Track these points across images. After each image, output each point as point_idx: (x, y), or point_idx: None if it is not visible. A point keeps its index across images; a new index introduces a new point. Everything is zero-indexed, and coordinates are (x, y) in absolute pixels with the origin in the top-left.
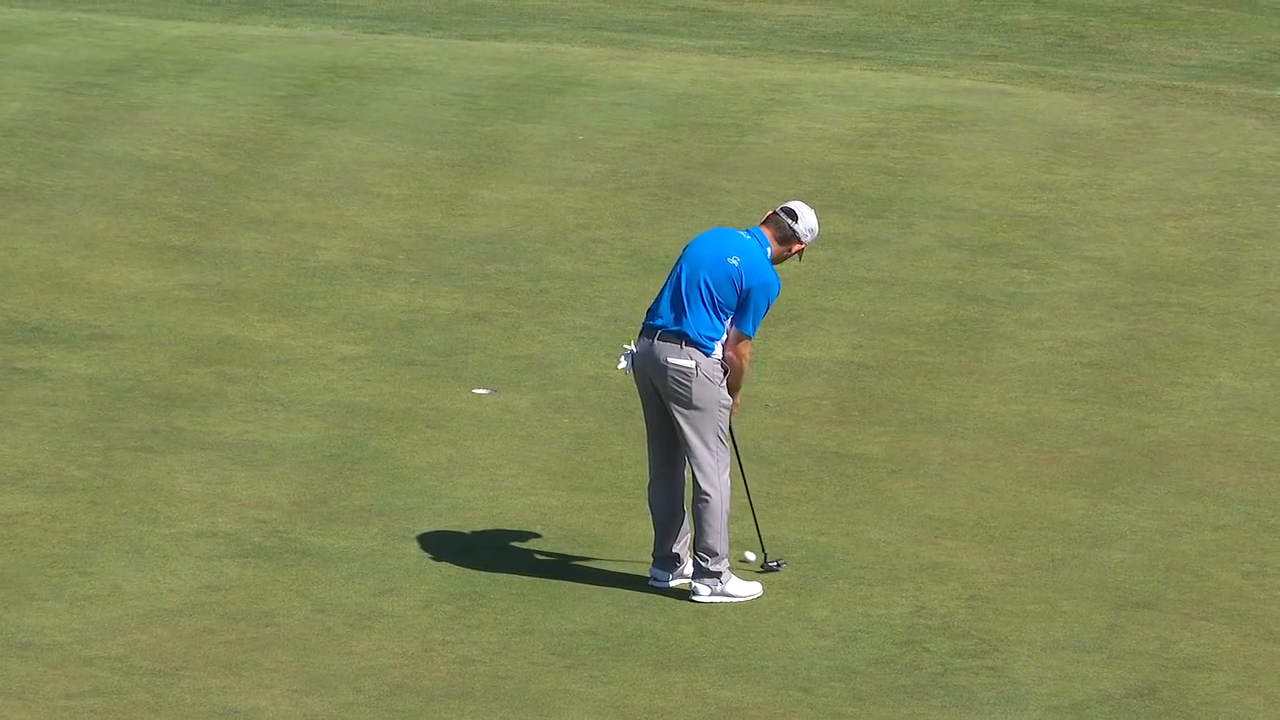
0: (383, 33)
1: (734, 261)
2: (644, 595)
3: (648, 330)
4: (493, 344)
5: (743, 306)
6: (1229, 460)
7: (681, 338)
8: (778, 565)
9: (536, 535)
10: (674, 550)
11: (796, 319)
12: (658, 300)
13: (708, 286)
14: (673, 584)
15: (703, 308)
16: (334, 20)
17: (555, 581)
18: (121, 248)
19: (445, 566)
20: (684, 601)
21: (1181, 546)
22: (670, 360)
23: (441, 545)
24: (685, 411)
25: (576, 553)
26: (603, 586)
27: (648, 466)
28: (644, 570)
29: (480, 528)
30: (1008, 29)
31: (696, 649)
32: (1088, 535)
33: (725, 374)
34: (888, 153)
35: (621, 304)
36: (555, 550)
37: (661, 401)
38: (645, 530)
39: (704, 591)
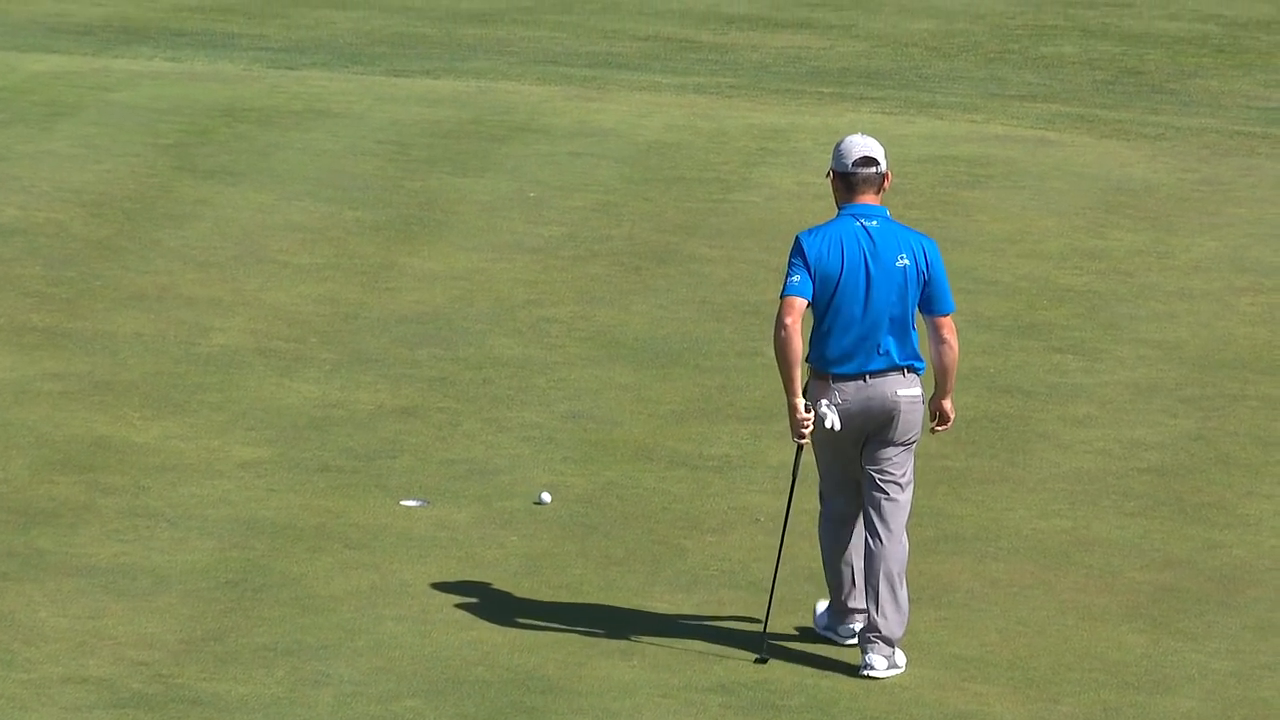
0: (291, 68)
1: (904, 262)
2: None
3: (846, 376)
4: (425, 446)
5: (933, 290)
6: None
7: (900, 368)
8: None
9: (478, 679)
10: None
11: None
12: (838, 344)
13: (899, 304)
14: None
15: (906, 326)
16: (232, 53)
17: None
18: None
19: (366, 718)
20: None
21: (1262, 693)
22: (901, 393)
23: (362, 691)
24: (904, 446)
25: (526, 701)
26: None
27: (836, 511)
28: (608, 719)
29: (409, 669)
30: (1048, 64)
31: None
32: (1147, 679)
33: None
34: (903, 213)
35: (581, 397)
36: (501, 698)
37: (857, 449)
38: (609, 672)
39: (881, 665)
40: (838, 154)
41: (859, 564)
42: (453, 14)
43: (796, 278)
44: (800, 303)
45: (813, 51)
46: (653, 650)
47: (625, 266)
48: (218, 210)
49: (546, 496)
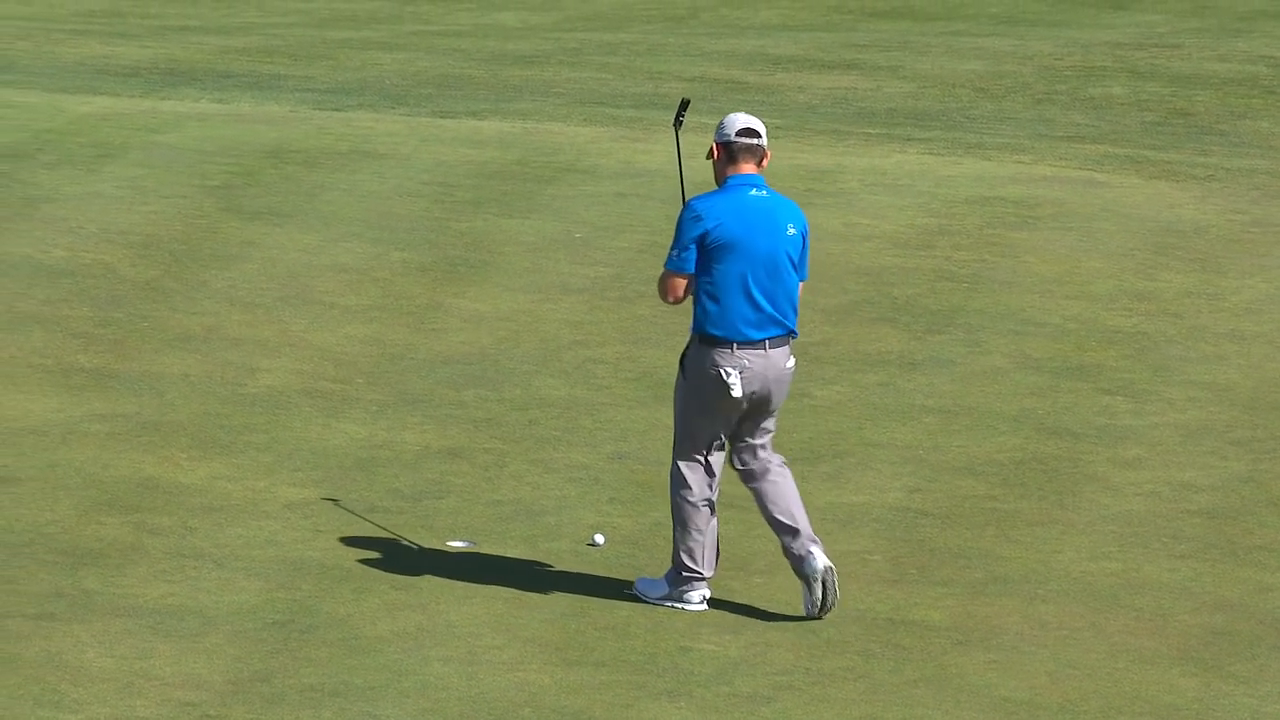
0: (337, 109)
1: (793, 231)
2: None
3: (750, 343)
4: (471, 486)
5: (803, 258)
6: None
7: (789, 337)
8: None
9: None
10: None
11: (841, 456)
12: (740, 310)
13: (793, 272)
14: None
15: (794, 294)
16: (278, 94)
17: None
18: (19, 371)
19: None
20: None
21: None
22: (788, 365)
23: None
24: (775, 410)
25: None
26: None
27: (710, 488)
28: None
29: (456, 711)
30: (1096, 105)
31: None
32: None
33: None
34: (951, 254)
35: (628, 438)
36: None
37: (739, 415)
38: (657, 714)
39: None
40: (720, 127)
41: (710, 536)
42: (498, 56)
43: (680, 252)
44: (685, 280)
45: (860, 92)
46: (700, 692)
47: (671, 307)
48: (264, 251)
49: (600, 538)
